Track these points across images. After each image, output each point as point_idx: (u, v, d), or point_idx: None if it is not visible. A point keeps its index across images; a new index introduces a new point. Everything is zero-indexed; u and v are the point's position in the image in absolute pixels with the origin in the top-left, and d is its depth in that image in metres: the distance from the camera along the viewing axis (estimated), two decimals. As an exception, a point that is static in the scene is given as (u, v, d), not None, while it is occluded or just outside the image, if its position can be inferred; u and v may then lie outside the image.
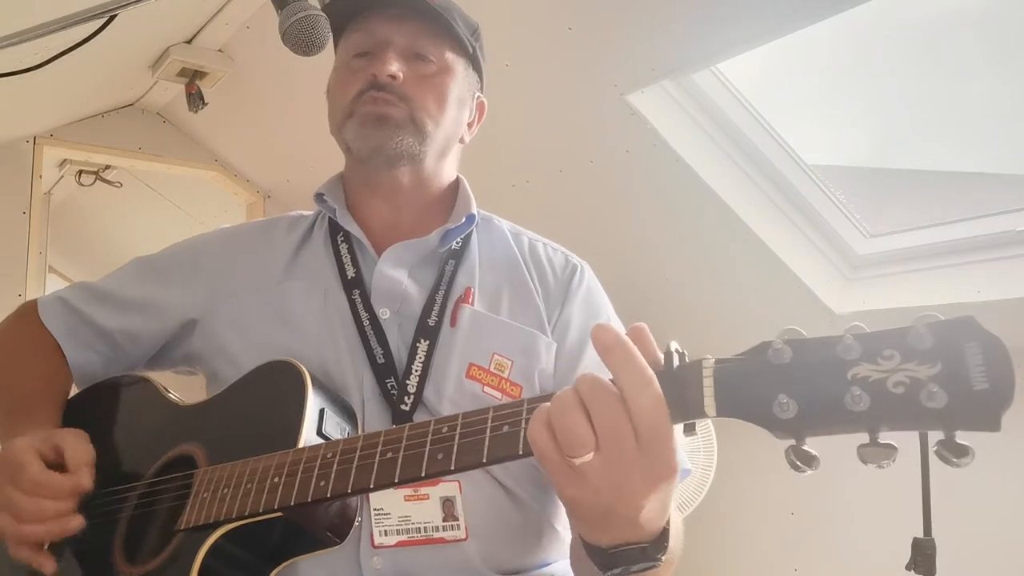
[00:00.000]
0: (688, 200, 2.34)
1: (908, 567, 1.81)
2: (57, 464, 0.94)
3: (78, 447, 0.95)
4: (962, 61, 2.38)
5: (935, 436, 0.57)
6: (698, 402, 0.62)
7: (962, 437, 0.56)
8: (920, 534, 1.81)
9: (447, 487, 0.94)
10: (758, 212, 2.34)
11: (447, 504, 0.94)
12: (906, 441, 0.59)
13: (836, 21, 1.87)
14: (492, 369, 1.01)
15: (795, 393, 0.59)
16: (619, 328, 1.12)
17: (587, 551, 0.72)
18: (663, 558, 0.70)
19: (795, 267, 2.34)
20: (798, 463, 0.59)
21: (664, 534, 0.70)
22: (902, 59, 2.49)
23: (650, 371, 0.63)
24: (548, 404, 0.66)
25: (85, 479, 0.93)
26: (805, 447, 0.59)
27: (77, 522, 0.91)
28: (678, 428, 0.65)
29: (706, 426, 2.34)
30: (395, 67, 1.06)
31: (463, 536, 0.93)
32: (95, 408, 1.10)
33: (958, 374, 0.55)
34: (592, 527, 0.70)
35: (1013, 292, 1.99)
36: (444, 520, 0.93)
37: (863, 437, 0.58)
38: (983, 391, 0.54)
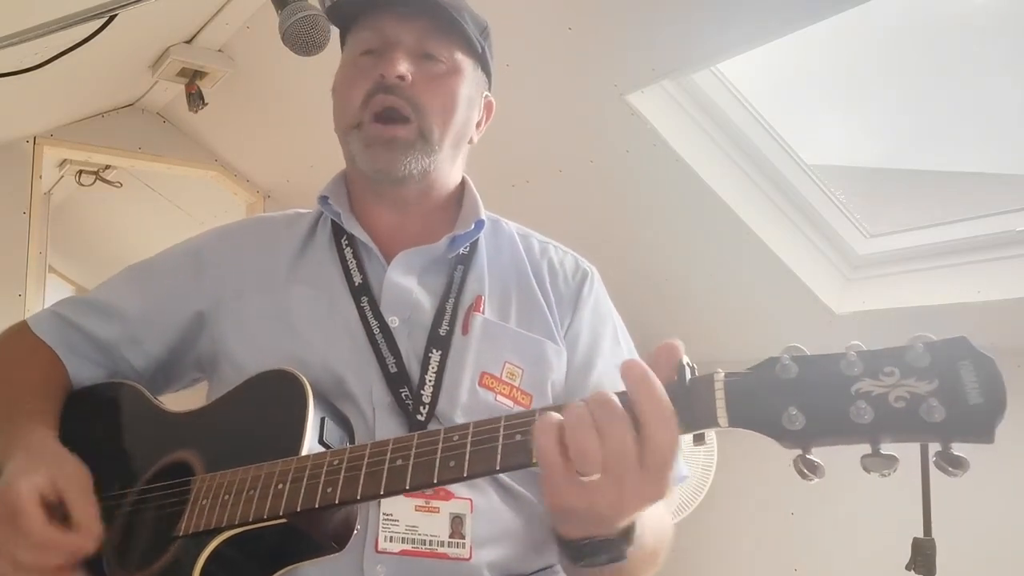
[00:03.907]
0: (688, 200, 2.34)
1: (908, 567, 1.81)
2: (58, 506, 0.90)
3: (84, 498, 0.90)
4: (963, 62, 2.38)
5: (933, 447, 0.61)
6: (711, 413, 0.66)
7: (958, 449, 0.60)
8: (920, 534, 1.81)
9: (458, 504, 0.94)
10: (758, 212, 2.34)
11: (456, 521, 0.93)
12: (904, 444, 0.61)
13: (836, 21, 1.87)
14: (504, 378, 1.01)
15: (803, 406, 0.63)
16: (623, 334, 1.12)
17: (558, 543, 0.77)
18: (630, 549, 0.75)
19: (795, 267, 2.34)
20: (805, 471, 0.63)
21: (631, 528, 0.75)
22: (902, 60, 2.49)
23: (671, 408, 0.67)
24: (557, 417, 0.69)
25: (90, 543, 0.88)
26: (811, 456, 0.63)
27: None
28: (687, 438, 0.69)
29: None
30: (403, 67, 1.04)
31: (467, 556, 0.93)
32: (82, 414, 1.07)
33: (955, 390, 0.59)
34: (572, 526, 0.74)
35: (1013, 292, 1.99)
36: (451, 536, 0.93)
37: (865, 448, 0.62)
38: (978, 406, 0.58)
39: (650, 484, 0.68)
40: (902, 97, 2.56)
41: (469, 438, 0.74)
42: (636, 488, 0.67)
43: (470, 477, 0.74)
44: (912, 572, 1.61)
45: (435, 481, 0.74)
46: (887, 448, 0.61)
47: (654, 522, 0.87)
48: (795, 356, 0.65)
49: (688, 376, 0.68)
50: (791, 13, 1.84)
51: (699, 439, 0.68)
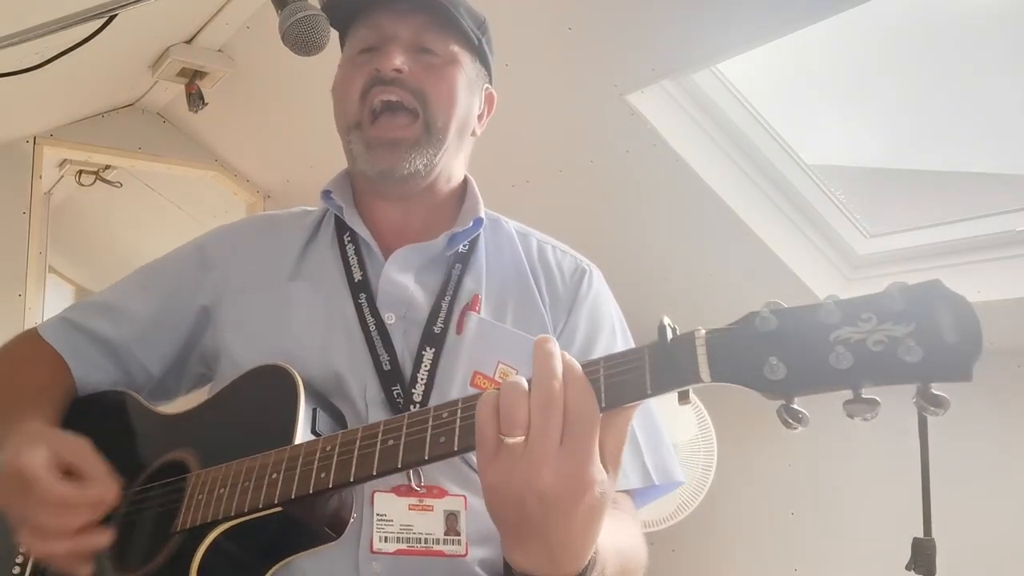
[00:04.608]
0: (688, 200, 2.34)
1: (908, 567, 1.81)
2: (67, 472, 0.91)
3: (91, 459, 0.92)
4: (963, 62, 2.38)
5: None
6: (693, 369, 0.66)
7: (939, 388, 0.60)
8: (920, 534, 1.82)
9: (452, 501, 0.94)
10: (758, 212, 2.34)
11: (450, 518, 0.93)
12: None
13: (836, 21, 1.87)
14: (497, 378, 1.00)
15: (784, 356, 0.63)
16: (623, 334, 1.12)
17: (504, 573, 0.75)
18: None
19: (795, 267, 2.35)
20: (789, 420, 0.63)
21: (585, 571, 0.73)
22: (902, 60, 2.49)
23: (581, 374, 0.70)
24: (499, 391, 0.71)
25: (110, 494, 0.90)
26: (795, 406, 0.63)
27: (104, 536, 0.88)
28: (672, 397, 0.68)
29: (707, 426, 2.34)
30: (399, 60, 1.04)
31: (463, 552, 0.93)
32: (76, 424, 1.07)
33: (931, 331, 0.59)
34: (508, 531, 0.72)
35: (1013, 292, 1.99)
36: (446, 534, 0.93)
37: (848, 395, 0.62)
38: (955, 345, 0.59)
39: (568, 462, 0.67)
40: (902, 97, 2.56)
41: (458, 414, 0.75)
42: (552, 463, 0.67)
43: (461, 451, 0.74)
44: (912, 572, 1.61)
45: (426, 457, 0.75)
46: (869, 393, 0.61)
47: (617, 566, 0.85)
48: (774, 309, 0.65)
49: (670, 335, 0.68)
50: (791, 13, 1.85)
51: (684, 396, 0.68)
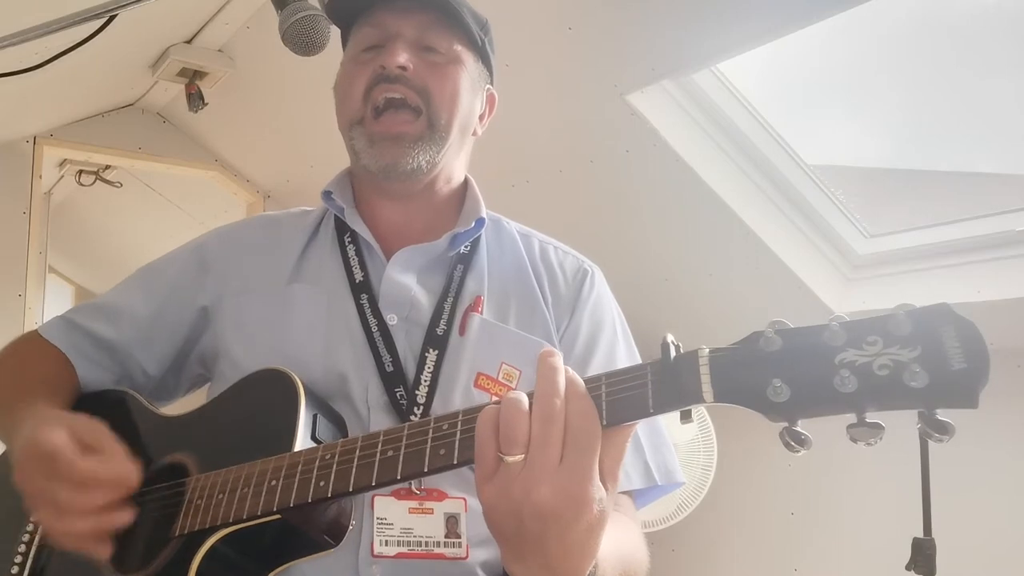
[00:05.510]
0: (688, 200, 2.34)
1: (908, 567, 1.81)
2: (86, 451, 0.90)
3: (108, 436, 0.91)
4: (963, 62, 2.38)
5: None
6: (696, 389, 0.65)
7: (944, 415, 0.59)
8: (920, 534, 1.81)
9: (452, 504, 0.94)
10: (758, 212, 2.34)
11: (451, 521, 0.93)
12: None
13: (836, 21, 1.87)
14: (500, 379, 1.00)
15: (787, 378, 0.62)
16: (624, 334, 1.12)
17: None
18: None
19: (795, 267, 2.35)
20: (792, 443, 0.63)
21: None
22: (902, 60, 2.49)
23: (583, 387, 0.69)
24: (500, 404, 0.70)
25: (130, 469, 0.89)
26: (798, 428, 0.63)
27: (126, 514, 0.88)
28: (674, 416, 0.68)
29: (707, 426, 2.34)
30: (404, 58, 1.04)
31: (463, 555, 0.92)
32: None
33: (937, 356, 0.59)
34: (506, 545, 0.72)
35: (1013, 292, 1.99)
36: (446, 536, 0.92)
37: (851, 418, 0.61)
38: (961, 370, 0.58)
39: (567, 480, 0.66)
40: (902, 97, 2.56)
41: (459, 427, 0.74)
42: (550, 480, 0.66)
43: (460, 464, 0.73)
44: (912, 572, 1.61)
45: (426, 470, 0.74)
46: (873, 417, 0.61)
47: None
48: (779, 329, 0.64)
49: (673, 354, 0.68)
50: (791, 13, 1.85)
51: (686, 416, 0.68)
